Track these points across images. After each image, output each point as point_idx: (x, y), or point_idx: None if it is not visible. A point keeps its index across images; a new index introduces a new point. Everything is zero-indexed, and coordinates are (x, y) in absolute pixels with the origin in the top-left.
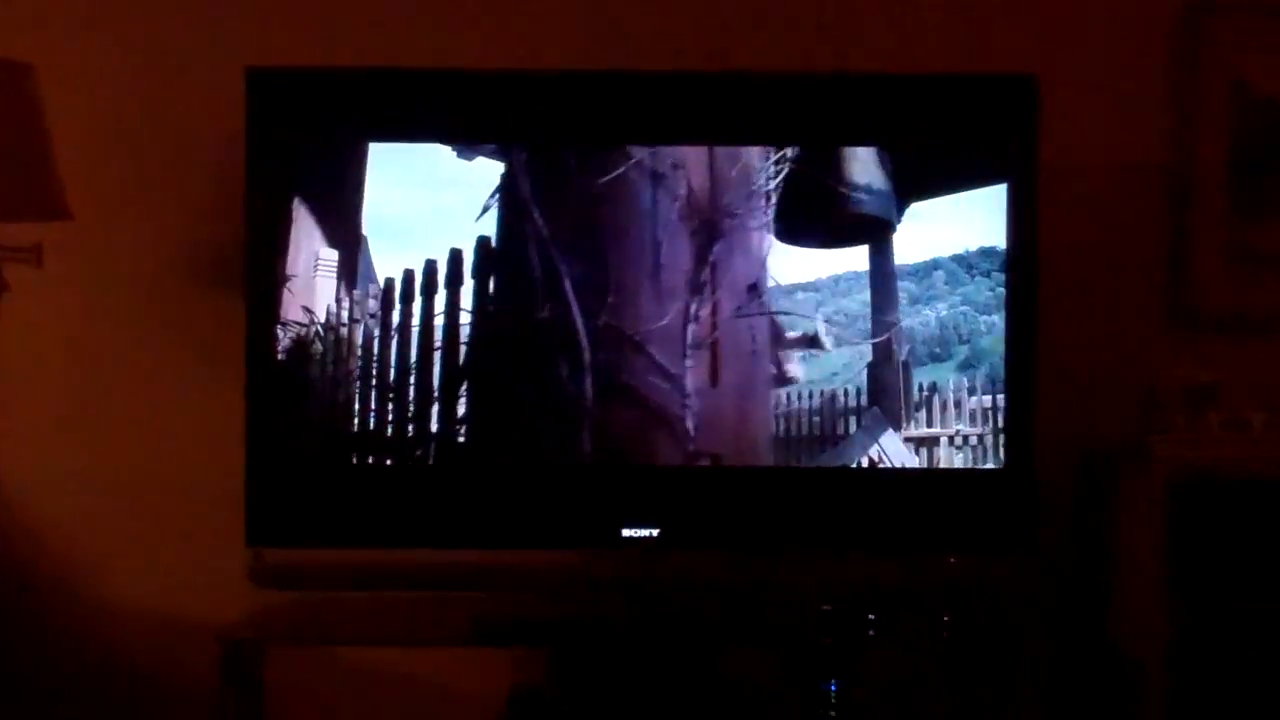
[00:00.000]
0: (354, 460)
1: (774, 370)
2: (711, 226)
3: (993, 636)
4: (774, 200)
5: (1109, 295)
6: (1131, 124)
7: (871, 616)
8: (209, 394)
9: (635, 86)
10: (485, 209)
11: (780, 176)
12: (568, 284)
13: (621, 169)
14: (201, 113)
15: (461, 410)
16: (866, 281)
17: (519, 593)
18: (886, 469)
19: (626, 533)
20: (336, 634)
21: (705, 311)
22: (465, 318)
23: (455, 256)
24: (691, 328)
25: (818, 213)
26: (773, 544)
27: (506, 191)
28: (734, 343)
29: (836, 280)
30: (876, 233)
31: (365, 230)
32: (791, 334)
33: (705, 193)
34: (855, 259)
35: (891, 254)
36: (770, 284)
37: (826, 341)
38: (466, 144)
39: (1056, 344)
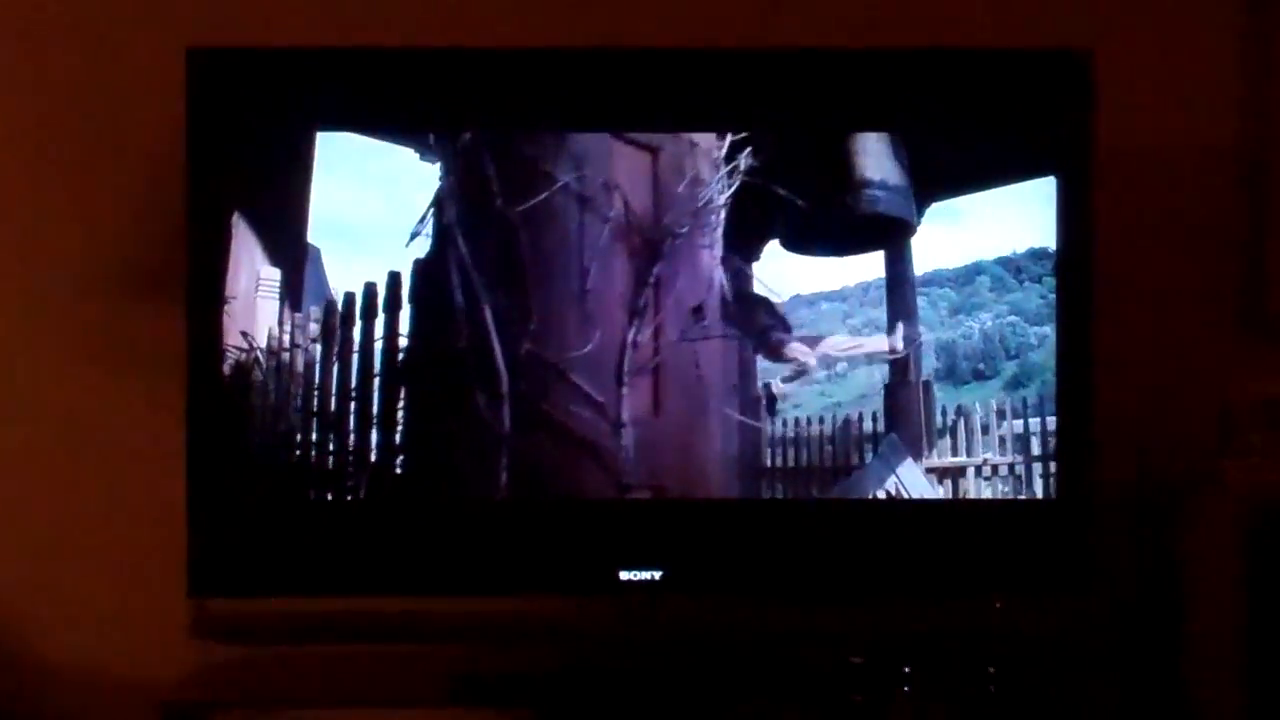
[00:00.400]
0: (310, 498)
1: (759, 393)
2: (653, 246)
3: (1046, 689)
4: (723, 217)
5: (1174, 300)
6: (1199, 105)
7: (907, 669)
8: (146, 424)
9: (624, 65)
10: (414, 235)
11: (732, 190)
12: (488, 312)
13: (544, 194)
14: (138, 99)
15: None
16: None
17: (503, 645)
18: (924, 500)
19: (624, 575)
20: (293, 694)
21: (645, 336)
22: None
23: (394, 279)
24: (630, 354)
25: (823, 215)
26: (794, 587)
27: (437, 214)
28: (679, 368)
29: (866, 288)
30: (893, 235)
31: (313, 238)
32: (786, 352)
33: (646, 211)
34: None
35: (910, 259)
36: (788, 295)
37: (811, 362)
38: (413, 135)
39: (1114, 356)
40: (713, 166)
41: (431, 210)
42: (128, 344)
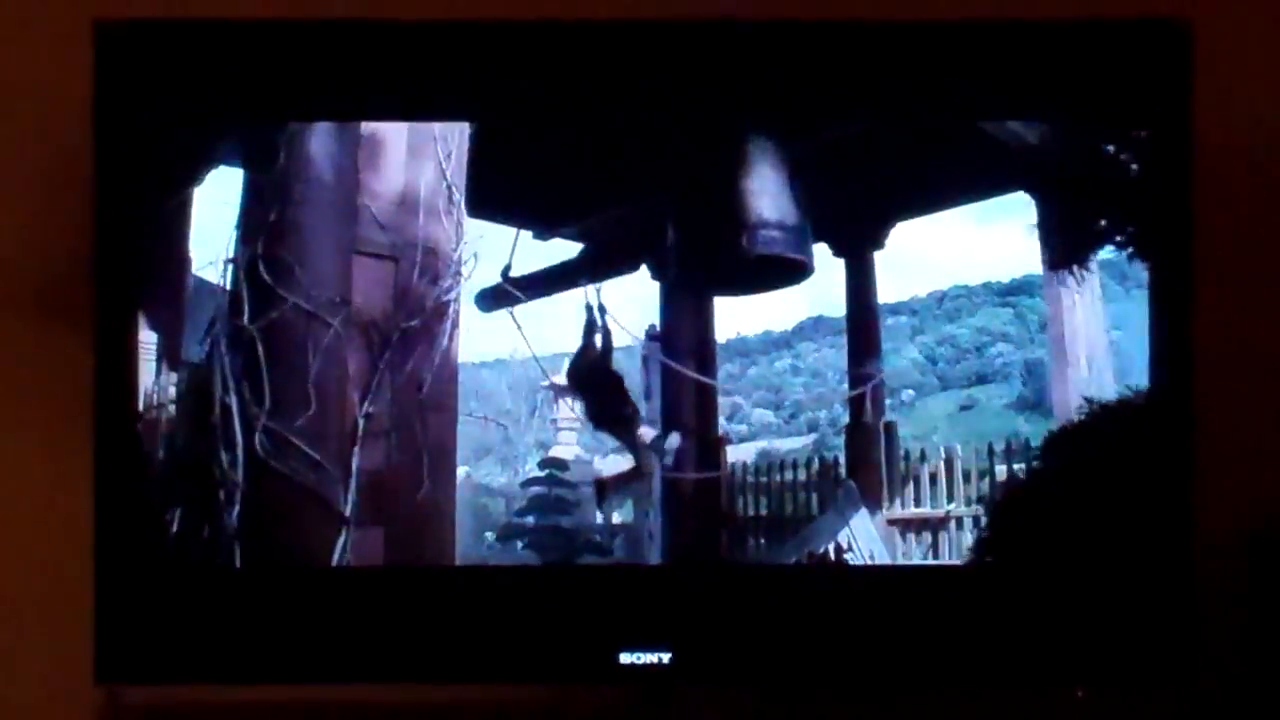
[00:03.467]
0: (234, 570)
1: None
2: (384, 339)
3: None
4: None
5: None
6: None
7: None
8: (48, 464)
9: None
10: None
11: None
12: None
13: (276, 313)
14: (40, 79)
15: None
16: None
17: None
18: (985, 566)
19: (625, 659)
20: None
21: (376, 408)
22: None
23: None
24: (362, 423)
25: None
26: (824, 675)
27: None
28: (407, 433)
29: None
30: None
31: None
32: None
33: (382, 313)
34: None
35: (873, 286)
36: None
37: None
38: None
39: (1215, 397)
40: (449, 270)
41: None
42: (27, 374)
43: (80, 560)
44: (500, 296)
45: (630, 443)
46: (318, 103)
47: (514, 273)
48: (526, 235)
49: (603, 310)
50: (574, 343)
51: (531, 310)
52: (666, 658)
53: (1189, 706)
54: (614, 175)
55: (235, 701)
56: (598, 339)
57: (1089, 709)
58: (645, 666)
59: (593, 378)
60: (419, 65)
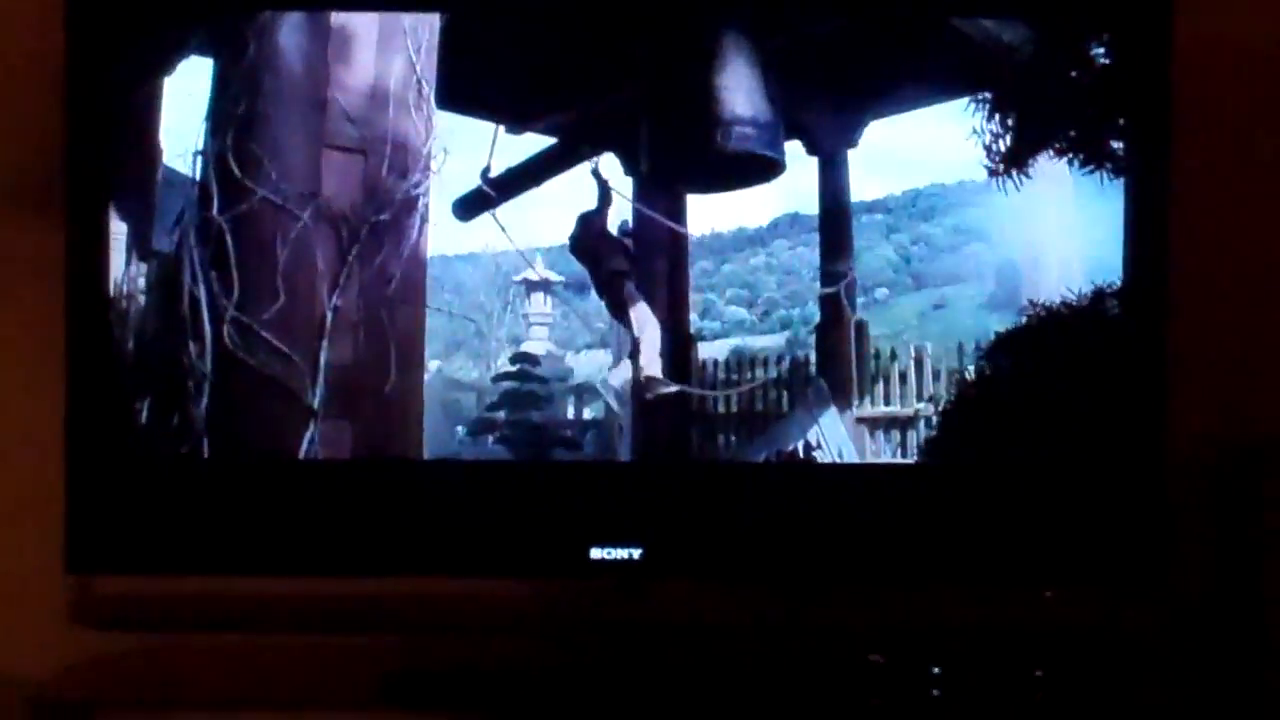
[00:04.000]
0: (205, 460)
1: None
2: (353, 233)
3: (1103, 696)
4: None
5: (1257, 257)
6: None
7: (936, 670)
8: (16, 373)
9: None
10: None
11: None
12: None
13: (245, 205)
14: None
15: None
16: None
17: (447, 637)
18: (959, 465)
19: (596, 554)
20: (189, 692)
21: (344, 302)
22: None
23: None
24: (330, 316)
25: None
26: (798, 569)
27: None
28: (375, 327)
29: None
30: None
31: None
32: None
33: (351, 206)
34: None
35: (846, 185)
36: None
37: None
38: None
39: (1188, 321)
40: (419, 165)
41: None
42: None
43: (53, 453)
44: (478, 202)
45: (626, 321)
46: None
47: (492, 173)
48: (504, 134)
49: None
50: (553, 236)
51: (508, 205)
52: (637, 554)
53: (1161, 609)
54: (586, 70)
55: (202, 592)
56: (607, 210)
57: (1055, 607)
58: (616, 562)
59: (602, 244)
60: None
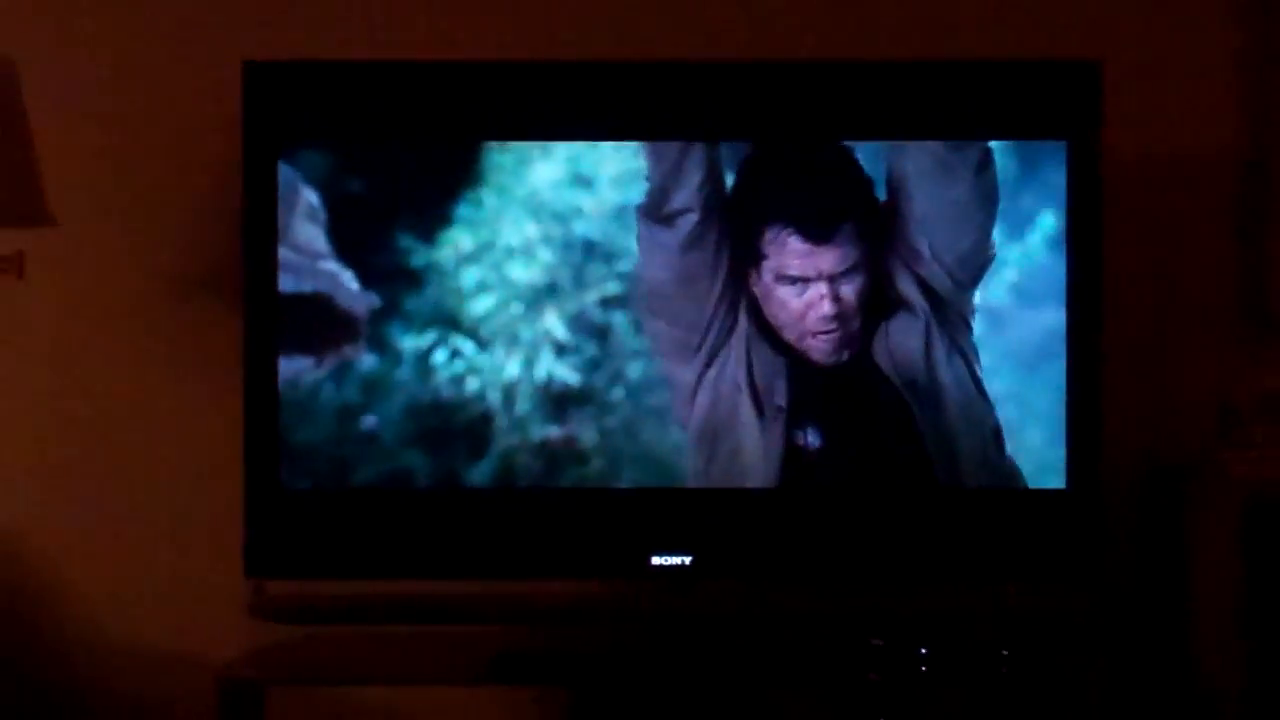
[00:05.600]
0: (358, 487)
1: None
2: None
3: (1057, 672)
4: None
5: (1179, 299)
6: (1201, 114)
7: (923, 651)
8: (204, 414)
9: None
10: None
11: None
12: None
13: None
14: (196, 110)
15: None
16: None
17: (542, 627)
18: (942, 487)
19: (656, 561)
20: (343, 673)
21: None
22: None
23: None
24: None
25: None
26: (815, 573)
27: None
28: None
29: None
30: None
31: None
32: None
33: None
34: None
35: None
36: None
37: None
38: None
39: (1119, 350)
40: None
41: None
42: (190, 340)
43: (235, 483)
44: None
45: None
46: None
47: None
48: None
49: None
50: None
51: None
52: (688, 560)
53: (1102, 599)
54: None
55: (352, 592)
56: None
57: (1019, 600)
58: (671, 567)
59: None
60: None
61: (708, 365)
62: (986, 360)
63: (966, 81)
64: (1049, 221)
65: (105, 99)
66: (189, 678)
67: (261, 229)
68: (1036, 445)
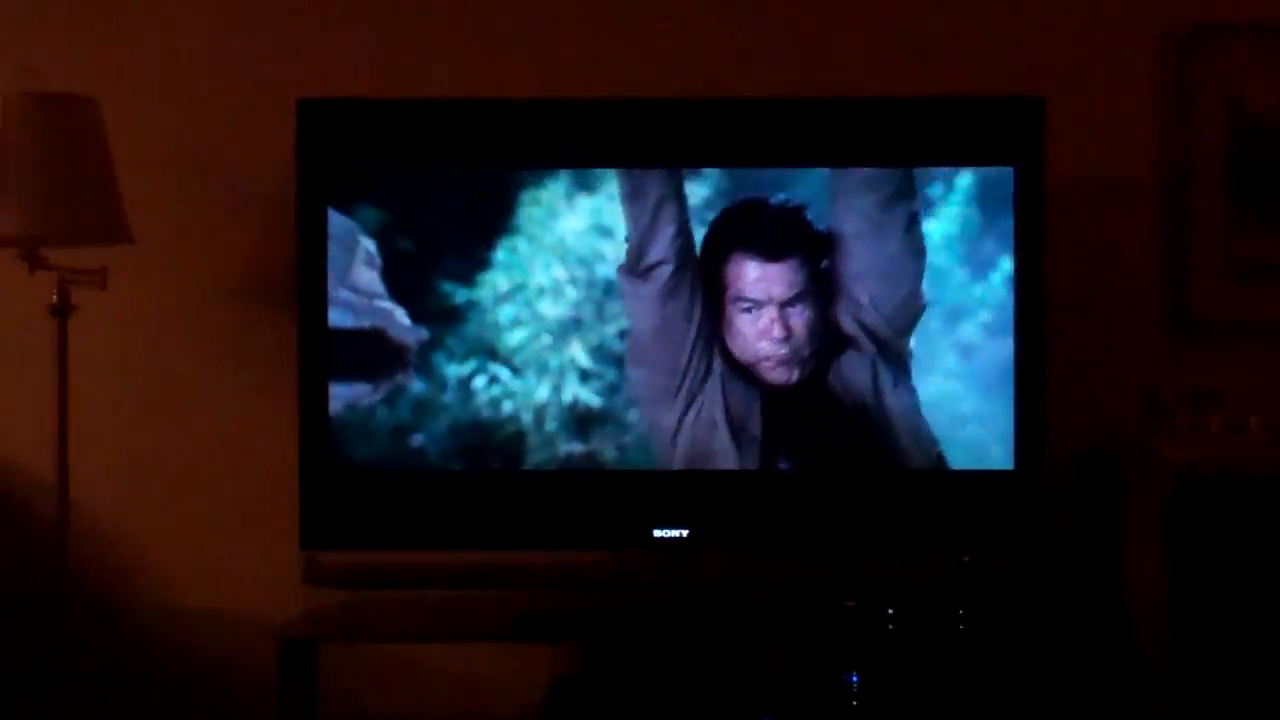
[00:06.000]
0: (399, 471)
1: None
2: None
3: (1007, 630)
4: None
5: (1113, 304)
6: (1132, 142)
7: (890, 612)
8: (264, 408)
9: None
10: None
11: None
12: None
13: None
14: (256, 140)
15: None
16: None
17: (557, 591)
18: (906, 470)
19: (657, 534)
20: (386, 632)
21: None
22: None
23: None
24: None
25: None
26: (796, 544)
27: None
28: None
29: None
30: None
31: None
32: None
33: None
34: None
35: None
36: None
37: None
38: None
39: (1061, 350)
40: None
41: None
42: (252, 342)
43: (291, 467)
44: None
45: None
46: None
47: None
48: None
49: None
50: None
51: None
52: (685, 533)
53: (1044, 568)
54: None
55: (393, 562)
56: None
57: (974, 568)
58: (670, 539)
59: None
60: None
61: (686, 409)
62: (949, 362)
63: (930, 114)
64: (1005, 263)
65: (177, 132)
66: (252, 636)
67: (312, 243)
68: (990, 432)
